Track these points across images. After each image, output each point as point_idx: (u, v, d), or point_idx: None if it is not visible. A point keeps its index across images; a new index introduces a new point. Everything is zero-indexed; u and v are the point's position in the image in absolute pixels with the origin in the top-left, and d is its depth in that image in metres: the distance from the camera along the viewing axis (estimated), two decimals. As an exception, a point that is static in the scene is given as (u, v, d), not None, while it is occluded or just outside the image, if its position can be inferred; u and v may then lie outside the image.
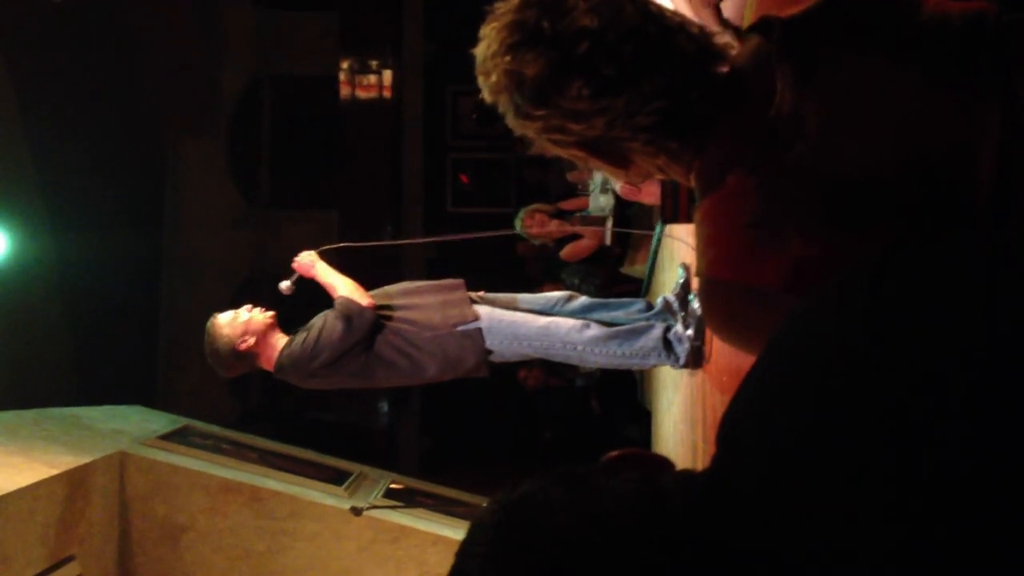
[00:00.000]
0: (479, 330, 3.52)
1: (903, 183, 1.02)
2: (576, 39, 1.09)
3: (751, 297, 1.10)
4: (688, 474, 0.79)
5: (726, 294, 1.15)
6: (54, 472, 4.24)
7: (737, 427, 0.77)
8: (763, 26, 1.11)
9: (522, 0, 1.11)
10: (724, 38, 1.19)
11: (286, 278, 3.66)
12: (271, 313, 3.61)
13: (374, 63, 9.94)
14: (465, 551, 0.74)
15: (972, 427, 0.60)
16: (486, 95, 1.17)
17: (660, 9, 1.14)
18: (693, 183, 1.19)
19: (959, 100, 1.02)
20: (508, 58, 1.11)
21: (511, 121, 1.18)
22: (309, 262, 3.66)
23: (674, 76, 1.11)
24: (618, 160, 1.19)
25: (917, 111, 1.03)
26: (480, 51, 1.15)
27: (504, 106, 1.17)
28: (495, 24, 1.13)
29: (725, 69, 1.14)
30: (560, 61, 1.10)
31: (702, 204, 1.16)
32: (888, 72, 1.05)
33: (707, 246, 1.15)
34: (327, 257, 3.74)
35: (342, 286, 3.56)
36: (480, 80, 1.17)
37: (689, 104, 1.12)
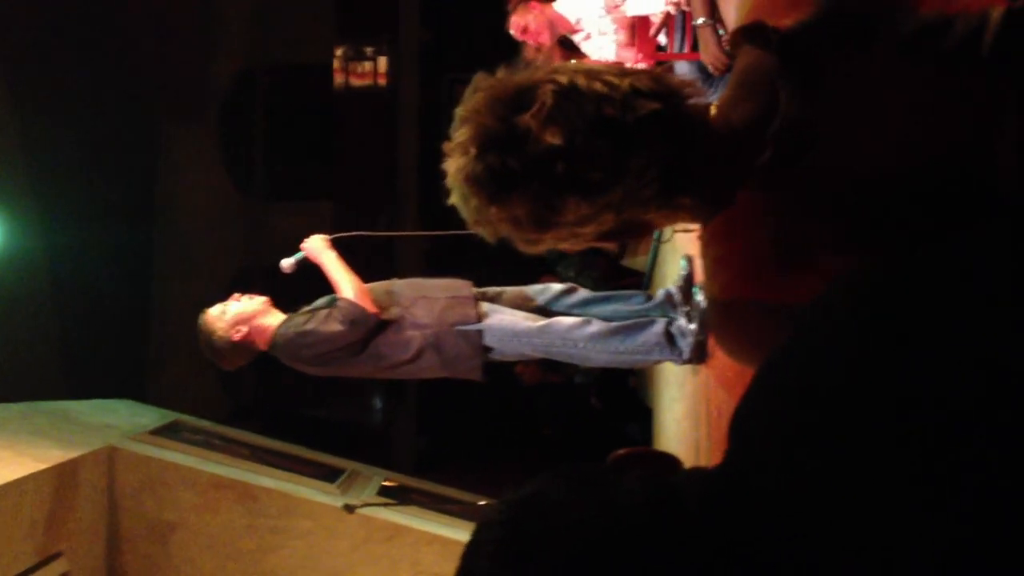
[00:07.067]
0: (478, 332, 3.49)
1: (925, 178, 1.00)
2: (549, 162, 1.04)
3: (776, 316, 1.06)
4: (700, 472, 0.78)
5: (747, 315, 1.12)
6: (42, 467, 4.23)
7: (751, 422, 0.76)
8: (759, 36, 1.08)
9: (478, 148, 1.06)
10: (678, 76, 1.14)
11: (291, 256, 3.64)
12: (262, 298, 3.57)
13: (369, 50, 9.89)
14: (473, 549, 0.74)
15: (987, 423, 0.60)
16: (489, 239, 1.15)
17: (605, 78, 1.07)
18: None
19: (973, 89, 0.99)
20: (495, 209, 1.09)
21: (524, 248, 1.15)
22: (318, 248, 3.61)
23: (653, 144, 1.06)
24: (643, 232, 1.16)
25: (931, 104, 1.01)
26: (459, 202, 1.12)
27: (513, 239, 1.14)
28: (459, 170, 1.09)
29: (697, 101, 1.10)
30: (544, 190, 1.06)
31: (710, 225, 1.13)
32: (898, 68, 1.02)
33: (720, 268, 1.12)
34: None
35: (347, 287, 3.50)
36: (479, 230, 1.14)
37: (681, 159, 1.08)
